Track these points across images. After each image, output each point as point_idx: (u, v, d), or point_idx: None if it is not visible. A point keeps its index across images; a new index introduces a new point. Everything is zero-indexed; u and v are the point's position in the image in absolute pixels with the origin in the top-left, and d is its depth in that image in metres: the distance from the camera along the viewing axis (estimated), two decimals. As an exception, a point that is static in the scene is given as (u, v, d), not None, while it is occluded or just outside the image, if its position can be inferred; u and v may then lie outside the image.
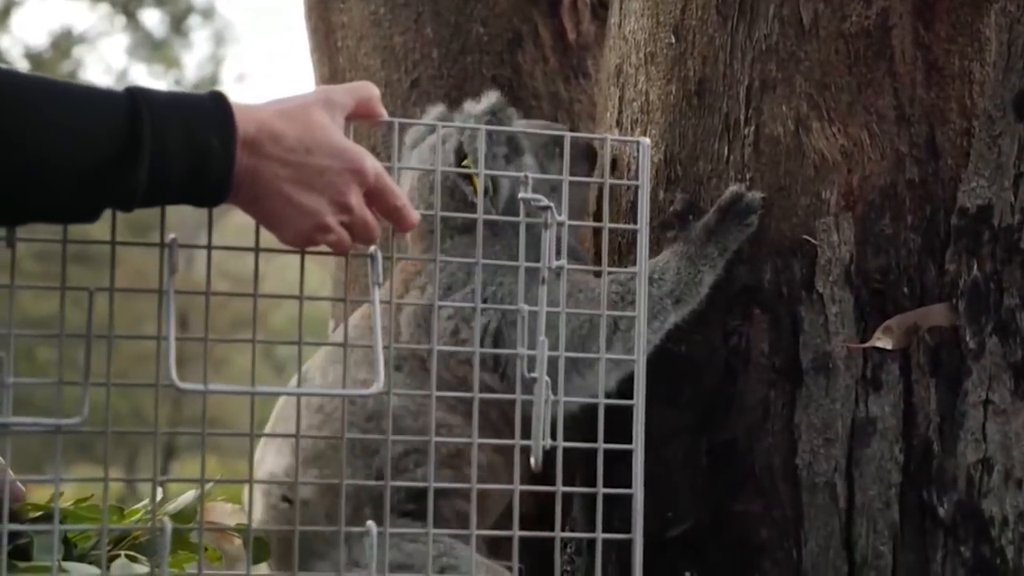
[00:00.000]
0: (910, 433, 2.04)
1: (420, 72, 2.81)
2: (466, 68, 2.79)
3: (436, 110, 2.22)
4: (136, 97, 1.45)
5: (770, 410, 2.09)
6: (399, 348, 1.92)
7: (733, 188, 2.10)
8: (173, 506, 1.94)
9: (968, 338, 2.04)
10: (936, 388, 2.04)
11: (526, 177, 1.72)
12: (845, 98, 2.10)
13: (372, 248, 1.63)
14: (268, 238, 1.63)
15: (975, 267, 2.05)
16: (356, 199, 1.55)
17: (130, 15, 14.77)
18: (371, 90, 1.61)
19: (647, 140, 1.73)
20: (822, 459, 2.05)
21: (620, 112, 2.29)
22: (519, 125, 2.18)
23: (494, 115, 2.11)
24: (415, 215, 1.62)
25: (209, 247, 1.61)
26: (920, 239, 2.08)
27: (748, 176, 2.13)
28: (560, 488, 1.76)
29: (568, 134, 1.76)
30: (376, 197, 1.57)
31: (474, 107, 2.15)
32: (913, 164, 2.09)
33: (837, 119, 2.10)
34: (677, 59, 2.21)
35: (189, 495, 1.94)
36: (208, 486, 1.78)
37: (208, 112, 1.48)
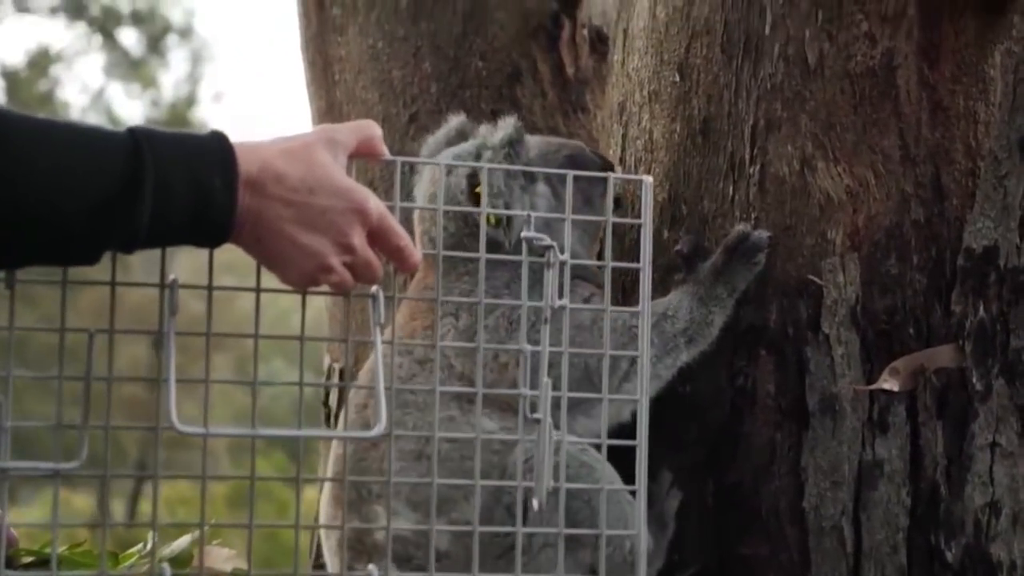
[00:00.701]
0: (917, 476, 2.03)
1: (419, 106, 2.79)
2: (465, 102, 2.78)
3: (456, 120, 2.17)
4: (138, 137, 1.43)
5: (776, 452, 2.07)
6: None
7: (739, 227, 2.08)
8: (169, 551, 1.91)
9: (975, 380, 2.03)
10: (943, 430, 2.03)
11: (529, 216, 1.70)
12: (850, 138, 2.09)
13: (374, 288, 1.61)
14: (268, 277, 1.61)
15: (981, 308, 2.04)
16: (359, 239, 1.53)
17: (107, 34, 14.74)
18: (373, 129, 1.60)
19: (650, 179, 1.72)
20: (829, 502, 2.04)
21: (623, 150, 2.28)
22: (534, 144, 2.16)
23: (511, 146, 2.08)
24: (417, 255, 1.60)
25: (210, 287, 1.59)
26: (926, 280, 2.07)
27: (753, 216, 2.11)
28: (563, 530, 1.73)
29: (572, 172, 1.74)
30: (379, 237, 1.56)
31: (491, 136, 2.12)
32: (919, 204, 2.08)
33: (842, 159, 2.09)
34: (681, 97, 2.20)
35: (186, 539, 1.92)
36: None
37: (210, 152, 1.46)
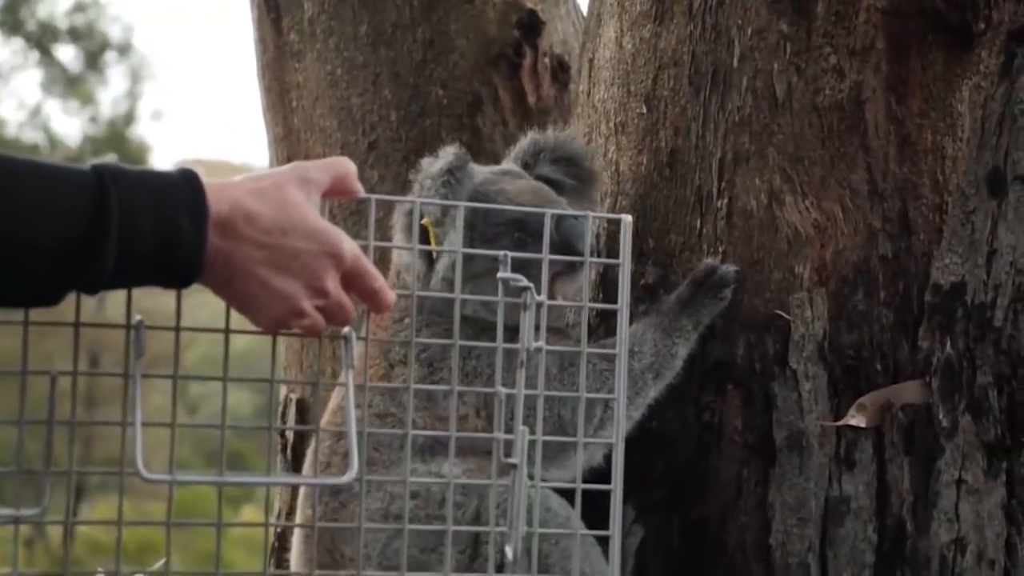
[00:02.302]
0: (884, 512, 2.01)
1: (378, 134, 2.76)
2: (425, 131, 2.76)
3: (450, 150, 2.10)
4: (103, 176, 1.38)
5: (743, 488, 2.05)
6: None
7: (707, 261, 2.07)
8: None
9: (941, 416, 2.02)
10: (909, 467, 2.02)
11: (505, 256, 1.66)
12: (818, 172, 2.08)
13: (346, 329, 1.57)
14: (237, 318, 1.57)
15: (948, 344, 2.03)
16: (332, 283, 1.49)
17: (44, 50, 14.59)
18: (347, 166, 1.56)
19: (629, 218, 1.68)
20: (795, 539, 2.02)
21: (589, 181, 2.25)
22: (479, 172, 2.11)
23: (451, 174, 2.03)
24: (391, 296, 1.56)
25: (177, 328, 1.54)
26: (893, 315, 2.06)
27: (721, 249, 2.10)
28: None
29: (550, 211, 1.71)
30: (353, 280, 1.51)
31: (431, 166, 2.06)
32: (886, 239, 2.07)
33: (811, 193, 2.08)
34: (648, 129, 2.18)
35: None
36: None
37: (178, 191, 1.41)
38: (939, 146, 2.08)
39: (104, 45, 14.57)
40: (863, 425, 2.02)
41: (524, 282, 1.62)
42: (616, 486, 1.71)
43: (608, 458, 1.87)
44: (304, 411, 2.77)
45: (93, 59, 14.51)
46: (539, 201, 2.02)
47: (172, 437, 1.52)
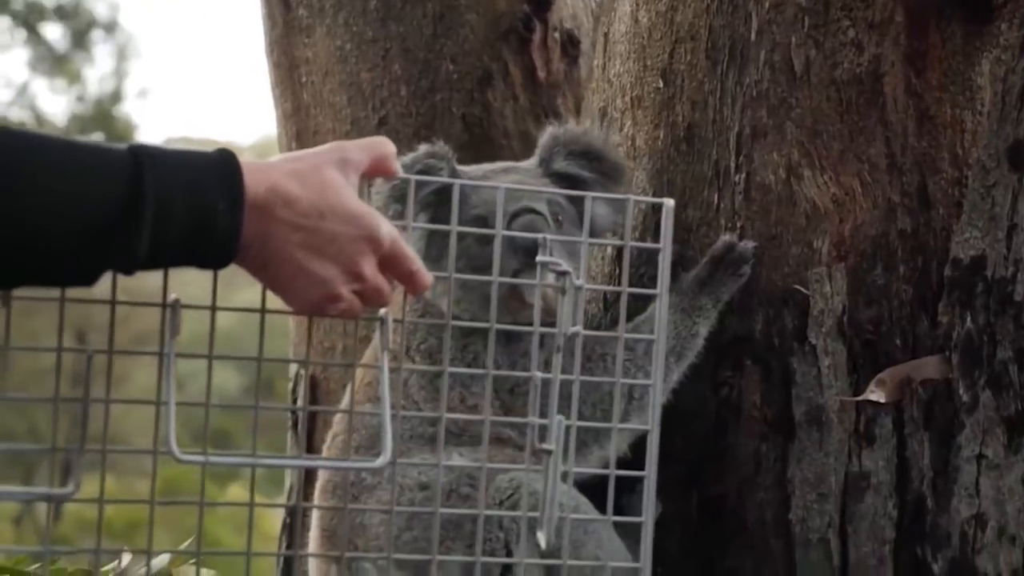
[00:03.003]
0: (904, 488, 2.01)
1: (388, 109, 2.75)
2: (435, 106, 2.74)
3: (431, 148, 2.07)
4: (139, 156, 1.37)
5: (762, 464, 2.05)
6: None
7: (725, 238, 2.06)
8: (145, 570, 1.86)
9: (961, 391, 2.01)
10: (929, 442, 2.01)
11: (544, 239, 1.65)
12: (837, 146, 2.07)
13: (382, 311, 1.56)
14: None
15: (968, 319, 2.02)
16: (370, 268, 1.47)
17: (31, 29, 14.52)
18: (387, 147, 1.54)
19: (671, 201, 1.66)
20: (815, 515, 2.01)
21: (605, 156, 2.24)
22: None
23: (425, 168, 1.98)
24: (428, 277, 1.54)
25: (213, 308, 1.53)
26: (912, 290, 2.05)
27: (739, 224, 2.09)
28: (566, 561, 1.69)
29: (590, 195, 1.70)
30: (390, 263, 1.50)
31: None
32: (905, 214, 2.06)
33: (829, 167, 2.07)
34: (665, 104, 2.17)
35: (164, 558, 1.86)
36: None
37: (215, 172, 1.40)
38: (958, 120, 2.07)
39: (90, 24, 14.51)
40: (883, 400, 2.01)
41: (563, 266, 1.61)
42: (650, 472, 1.70)
43: (632, 447, 1.87)
44: (316, 388, 2.76)
45: (80, 38, 14.45)
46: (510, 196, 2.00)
47: (206, 417, 1.51)
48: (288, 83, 2.86)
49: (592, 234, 2.00)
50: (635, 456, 1.73)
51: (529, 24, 2.79)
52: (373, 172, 1.54)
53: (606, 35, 2.30)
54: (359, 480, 1.99)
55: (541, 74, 2.81)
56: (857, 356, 2.04)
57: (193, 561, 1.91)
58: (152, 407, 1.49)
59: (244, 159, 1.40)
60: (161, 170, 1.37)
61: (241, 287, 1.55)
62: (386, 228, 1.48)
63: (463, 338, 1.97)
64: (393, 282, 1.53)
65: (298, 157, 1.49)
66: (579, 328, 1.67)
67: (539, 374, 1.65)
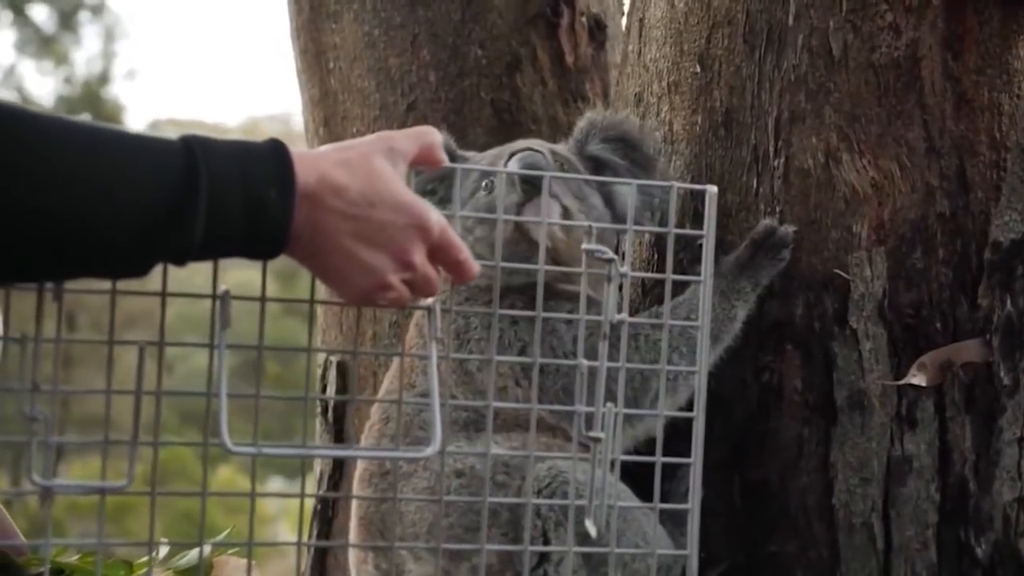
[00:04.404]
0: (946, 471, 2.01)
1: (417, 95, 2.74)
2: (464, 91, 2.74)
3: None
4: (193, 148, 1.37)
5: (804, 448, 2.05)
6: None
7: (766, 222, 2.06)
8: (184, 561, 1.86)
9: (1002, 374, 2.01)
10: (971, 425, 2.01)
11: (591, 227, 1.65)
12: (875, 130, 2.07)
13: (430, 300, 1.56)
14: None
15: (1008, 302, 2.02)
16: (419, 256, 1.47)
17: (18, 10, 14.44)
18: (433, 136, 1.54)
19: (714, 188, 1.67)
20: (859, 499, 2.02)
21: (641, 141, 2.24)
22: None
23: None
24: (476, 267, 1.54)
25: (263, 299, 1.53)
26: (952, 273, 2.05)
27: (778, 209, 2.09)
28: (614, 549, 1.70)
29: (635, 182, 1.70)
30: (439, 252, 1.49)
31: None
32: (944, 197, 2.06)
33: (867, 151, 2.07)
34: (703, 89, 2.16)
35: (205, 549, 1.86)
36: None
37: (267, 162, 1.40)
38: (996, 103, 2.07)
39: (78, 5, 14.44)
40: (924, 384, 2.01)
41: (609, 254, 1.61)
42: (696, 458, 1.70)
43: (667, 431, 1.86)
44: (345, 374, 2.76)
45: (67, 19, 14.39)
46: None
47: (255, 410, 1.51)
48: (315, 69, 2.85)
49: (616, 220, 2.02)
50: (668, 440, 1.73)
51: (557, 9, 2.79)
52: (420, 161, 1.54)
53: (641, 20, 2.29)
54: (395, 468, 1.99)
55: (569, 59, 2.80)
56: (898, 340, 2.04)
57: (233, 551, 1.91)
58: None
59: (294, 149, 1.40)
60: (214, 161, 1.37)
61: (228, 267, 1.53)
62: (435, 216, 1.48)
63: (488, 317, 1.97)
64: (440, 270, 1.53)
65: (346, 146, 1.49)
66: (624, 316, 1.67)
67: (585, 362, 1.65)
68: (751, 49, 2.12)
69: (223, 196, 1.37)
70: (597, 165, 2.10)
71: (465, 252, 1.52)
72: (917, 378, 2.01)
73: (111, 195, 1.33)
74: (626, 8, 2.94)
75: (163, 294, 1.48)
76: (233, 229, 1.38)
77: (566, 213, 1.99)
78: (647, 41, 2.26)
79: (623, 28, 2.86)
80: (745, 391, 2.08)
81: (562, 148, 2.13)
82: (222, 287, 1.48)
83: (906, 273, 2.05)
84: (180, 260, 1.40)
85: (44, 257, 1.33)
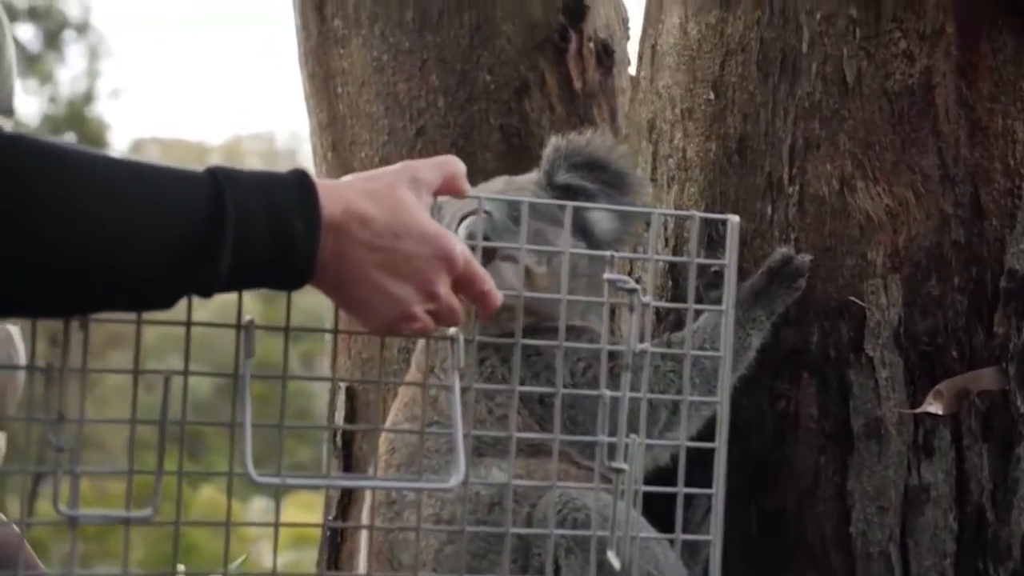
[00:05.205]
0: (964, 500, 2.01)
1: (426, 120, 2.74)
2: (473, 116, 2.73)
3: None
4: (219, 180, 1.36)
5: (820, 477, 2.04)
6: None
7: (782, 250, 2.05)
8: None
9: (1019, 402, 2.02)
10: (988, 454, 2.01)
11: (612, 257, 1.64)
12: (889, 157, 2.07)
13: (453, 330, 1.55)
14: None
15: (1024, 330, 2.02)
16: (444, 287, 1.46)
17: (4, 30, 14.43)
18: (457, 166, 1.53)
19: (736, 218, 1.66)
20: (876, 528, 2.01)
21: (654, 168, 2.24)
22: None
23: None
24: (499, 297, 1.54)
25: (287, 328, 1.52)
26: (967, 301, 2.05)
27: (793, 236, 2.09)
28: (633, 580, 1.69)
29: (656, 211, 1.70)
30: (463, 283, 1.49)
31: None
32: (958, 225, 2.06)
33: (882, 178, 2.07)
34: (716, 116, 2.16)
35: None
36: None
37: (292, 194, 1.39)
38: (1010, 130, 2.07)
39: (63, 24, 14.45)
40: (940, 412, 2.01)
41: (631, 284, 1.61)
42: (718, 489, 1.70)
43: (675, 459, 1.86)
44: (354, 399, 2.75)
45: (52, 38, 14.39)
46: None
47: (280, 441, 1.50)
48: (323, 94, 2.84)
49: (594, 245, 1.99)
50: (674, 468, 1.72)
51: (565, 34, 2.78)
52: (444, 190, 1.54)
53: (653, 47, 2.29)
54: (401, 497, 1.98)
55: (577, 84, 2.80)
56: (914, 368, 2.04)
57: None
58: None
59: (319, 180, 1.40)
60: (240, 193, 1.37)
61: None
62: (459, 248, 1.48)
63: (479, 352, 1.95)
64: (463, 301, 1.53)
65: (371, 176, 1.49)
66: (647, 345, 1.67)
67: (607, 392, 1.65)
68: (765, 76, 2.12)
69: (249, 228, 1.36)
70: (569, 193, 2.06)
71: (489, 283, 1.51)
72: (934, 406, 2.01)
73: (139, 231, 1.32)
74: (632, 33, 2.95)
75: (188, 323, 1.48)
76: (259, 261, 1.38)
77: (527, 272, 1.94)
78: (659, 68, 2.26)
79: (631, 54, 2.86)
80: (761, 419, 2.07)
81: (531, 182, 2.11)
82: (246, 317, 1.48)
83: (922, 301, 2.05)
84: (206, 292, 1.39)
85: (71, 293, 1.33)
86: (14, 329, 1.62)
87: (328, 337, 2.86)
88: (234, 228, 1.35)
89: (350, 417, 2.72)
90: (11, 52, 1.69)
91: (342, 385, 2.79)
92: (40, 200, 1.28)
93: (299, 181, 1.40)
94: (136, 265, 1.33)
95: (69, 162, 1.31)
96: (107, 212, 1.31)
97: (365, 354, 2.78)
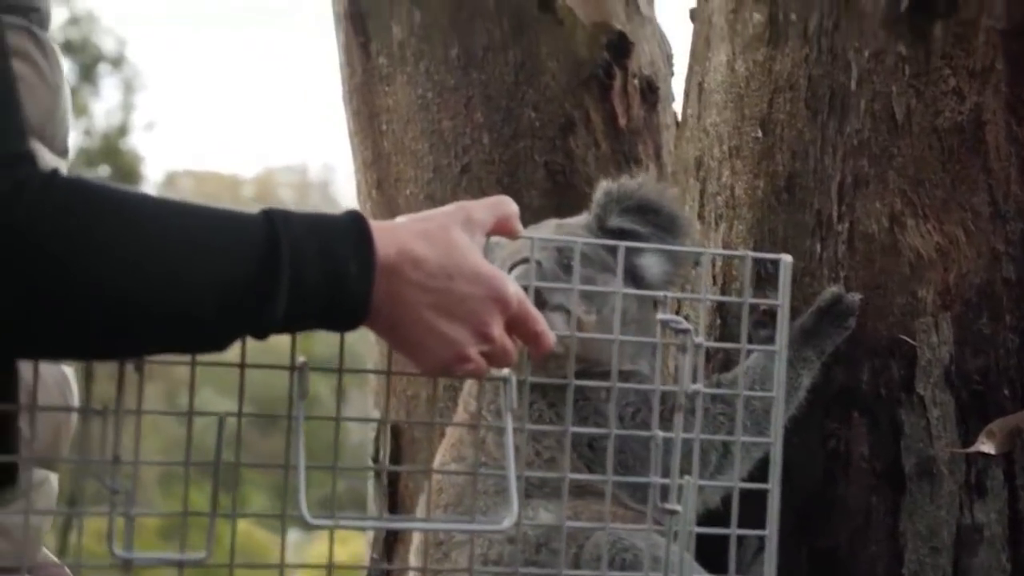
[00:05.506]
0: (1017, 540, 1.99)
1: (471, 157, 2.74)
2: (518, 153, 2.74)
3: None
4: (274, 221, 1.36)
5: (872, 516, 2.03)
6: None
7: (832, 289, 2.04)
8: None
9: (1071, 442, 1.99)
10: (1041, 493, 2.00)
11: (665, 297, 1.64)
12: (940, 194, 2.06)
13: (506, 371, 1.55)
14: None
15: (1077, 368, 2.01)
16: (498, 329, 1.45)
17: (39, 64, 14.54)
18: (511, 207, 1.53)
19: (788, 258, 1.65)
20: (929, 569, 2.00)
21: (702, 205, 2.23)
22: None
23: None
24: (552, 338, 1.53)
25: (340, 370, 1.52)
26: (1019, 339, 2.04)
27: (842, 274, 2.08)
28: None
29: (707, 251, 1.69)
30: (517, 323, 1.48)
31: None
32: (1009, 262, 2.05)
33: (932, 216, 2.06)
34: (764, 153, 2.16)
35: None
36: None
37: (346, 235, 1.39)
38: (1060, 167, 2.06)
39: (98, 57, 14.56)
40: (993, 452, 2.00)
41: (684, 324, 1.60)
42: (771, 531, 1.68)
43: (725, 501, 1.85)
44: (399, 436, 2.75)
45: (87, 71, 14.51)
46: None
47: (333, 482, 1.50)
48: (368, 131, 2.85)
49: (644, 287, 1.99)
50: (727, 510, 1.71)
51: (609, 71, 2.79)
52: (497, 231, 1.53)
53: (700, 84, 2.29)
54: (449, 538, 1.97)
55: (622, 121, 2.80)
56: (966, 406, 2.02)
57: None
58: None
59: (373, 222, 1.40)
60: (294, 235, 1.37)
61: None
62: (513, 288, 1.48)
63: (528, 395, 1.95)
64: (517, 342, 1.52)
65: (424, 217, 1.48)
66: (700, 386, 1.66)
67: (660, 433, 1.64)
68: (814, 114, 2.12)
69: (303, 271, 1.36)
70: (620, 237, 2.06)
71: (542, 323, 1.51)
72: (986, 446, 2.00)
73: (195, 274, 1.32)
74: (677, 69, 2.95)
75: (242, 365, 1.48)
76: (313, 303, 1.37)
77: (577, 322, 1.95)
78: (707, 105, 2.26)
79: (676, 90, 2.86)
80: (812, 458, 2.06)
81: (580, 225, 2.11)
82: (300, 358, 1.48)
83: (973, 339, 2.04)
84: (261, 335, 1.39)
85: (127, 336, 1.33)
86: (68, 371, 1.62)
87: (369, 375, 2.88)
88: (289, 274, 1.35)
89: (395, 454, 2.72)
90: (67, 92, 1.70)
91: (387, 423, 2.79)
92: (98, 243, 1.28)
93: (354, 223, 1.40)
94: (192, 308, 1.33)
95: (127, 205, 1.31)
96: (164, 255, 1.32)
97: (410, 391, 2.78)
